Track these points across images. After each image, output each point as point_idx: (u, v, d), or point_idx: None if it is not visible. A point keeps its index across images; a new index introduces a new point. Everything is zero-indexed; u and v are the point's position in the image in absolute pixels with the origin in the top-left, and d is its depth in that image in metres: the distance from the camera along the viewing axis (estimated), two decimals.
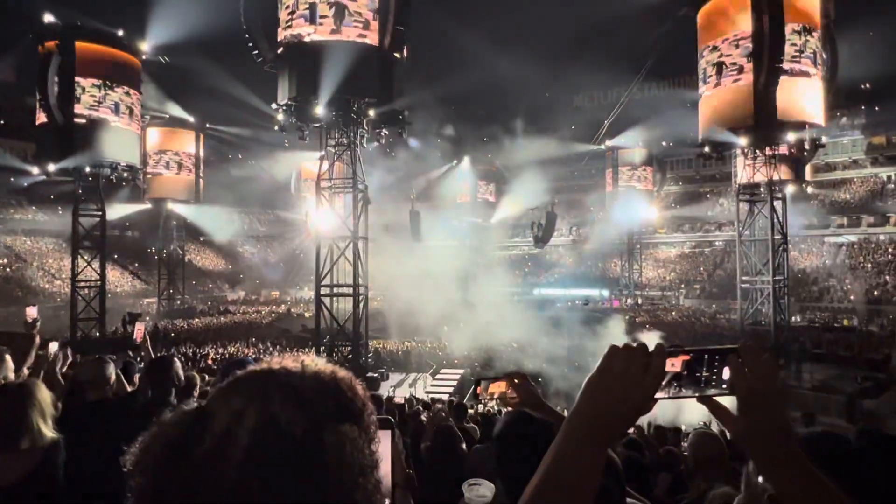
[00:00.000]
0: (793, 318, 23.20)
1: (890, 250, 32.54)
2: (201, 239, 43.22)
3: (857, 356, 19.49)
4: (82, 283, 21.44)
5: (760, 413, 0.79)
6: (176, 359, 2.84)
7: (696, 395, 0.81)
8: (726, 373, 0.81)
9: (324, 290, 16.70)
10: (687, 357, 0.82)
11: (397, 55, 15.88)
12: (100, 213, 21.47)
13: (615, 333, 18.27)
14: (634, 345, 0.79)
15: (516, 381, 1.71)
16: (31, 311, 3.57)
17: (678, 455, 4.69)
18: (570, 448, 0.77)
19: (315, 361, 0.72)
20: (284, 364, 0.71)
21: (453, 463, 4.14)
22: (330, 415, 0.66)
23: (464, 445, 4.90)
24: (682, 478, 3.76)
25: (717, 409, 0.83)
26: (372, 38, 15.40)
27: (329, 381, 0.70)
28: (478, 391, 1.77)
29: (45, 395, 1.90)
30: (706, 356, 0.82)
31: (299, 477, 0.62)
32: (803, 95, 18.46)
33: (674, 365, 0.80)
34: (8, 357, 2.04)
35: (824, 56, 19.10)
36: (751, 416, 0.80)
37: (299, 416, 0.64)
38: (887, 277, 30.44)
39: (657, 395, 0.78)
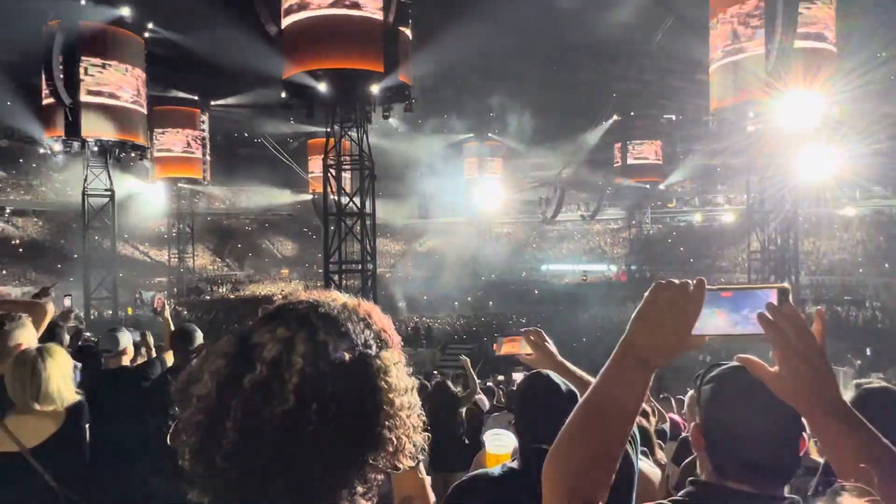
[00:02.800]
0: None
1: None
2: (209, 218, 43.42)
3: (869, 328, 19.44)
4: (94, 264, 21.68)
5: (799, 366, 0.78)
6: (196, 328, 2.89)
7: (737, 332, 0.82)
8: (761, 315, 0.80)
9: (332, 268, 16.80)
10: (730, 294, 0.83)
11: (402, 29, 15.66)
12: (109, 192, 21.59)
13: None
14: (677, 281, 0.83)
15: (532, 337, 1.75)
16: (67, 302, 3.69)
17: (681, 424, 4.74)
18: (618, 369, 0.83)
19: (342, 294, 0.76)
20: (318, 297, 0.73)
21: (451, 421, 4.22)
22: (370, 342, 0.70)
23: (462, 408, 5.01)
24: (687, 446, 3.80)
25: (753, 365, 0.83)
26: (376, 13, 15.19)
27: (361, 312, 0.73)
28: (494, 348, 1.82)
29: (65, 358, 1.94)
30: (749, 294, 0.82)
31: (354, 397, 0.65)
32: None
33: (717, 300, 0.81)
34: (29, 322, 2.09)
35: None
36: (789, 368, 0.79)
37: (345, 344, 0.67)
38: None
39: (701, 332, 0.81)
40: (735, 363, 1.01)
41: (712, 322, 0.81)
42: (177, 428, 0.66)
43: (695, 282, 0.82)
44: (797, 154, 19.46)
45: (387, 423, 0.67)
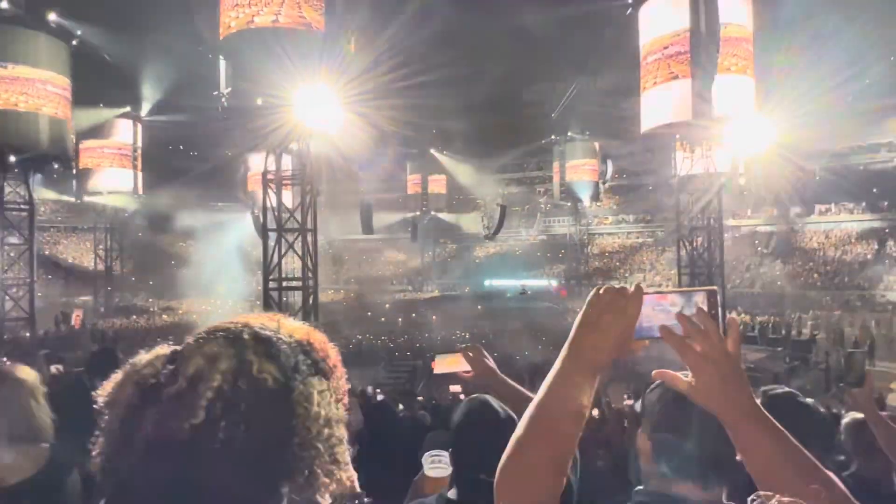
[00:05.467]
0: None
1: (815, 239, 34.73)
2: (140, 235, 41.36)
3: (785, 339, 20.76)
4: (10, 282, 20.17)
5: (711, 369, 0.82)
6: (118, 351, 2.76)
7: (680, 336, 0.84)
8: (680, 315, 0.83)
9: (272, 285, 16.32)
10: (665, 298, 0.86)
11: (345, 43, 15.62)
12: (27, 206, 20.22)
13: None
14: (616, 286, 0.87)
15: (470, 354, 1.69)
16: None
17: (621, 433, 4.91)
18: (564, 373, 0.85)
19: (291, 321, 0.75)
20: (261, 319, 0.72)
21: (391, 442, 4.19)
22: (301, 367, 0.69)
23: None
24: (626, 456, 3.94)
25: (667, 377, 0.88)
26: (318, 25, 15.11)
27: (303, 338, 0.73)
28: (433, 366, 1.76)
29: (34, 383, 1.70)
30: (683, 296, 0.86)
31: (267, 420, 0.63)
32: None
33: (656, 305, 0.85)
34: None
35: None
36: (701, 372, 0.82)
37: (271, 367, 0.66)
38: (811, 264, 32.49)
39: (640, 336, 0.84)
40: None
41: (650, 326, 0.84)
42: (97, 438, 0.64)
43: (632, 287, 0.86)
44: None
45: (301, 452, 0.65)
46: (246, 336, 0.67)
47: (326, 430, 0.67)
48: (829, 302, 27.98)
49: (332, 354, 0.75)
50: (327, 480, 0.67)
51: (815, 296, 28.79)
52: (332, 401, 0.70)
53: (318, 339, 0.75)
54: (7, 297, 19.80)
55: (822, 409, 2.13)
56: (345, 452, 0.70)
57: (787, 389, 2.02)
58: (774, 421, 0.83)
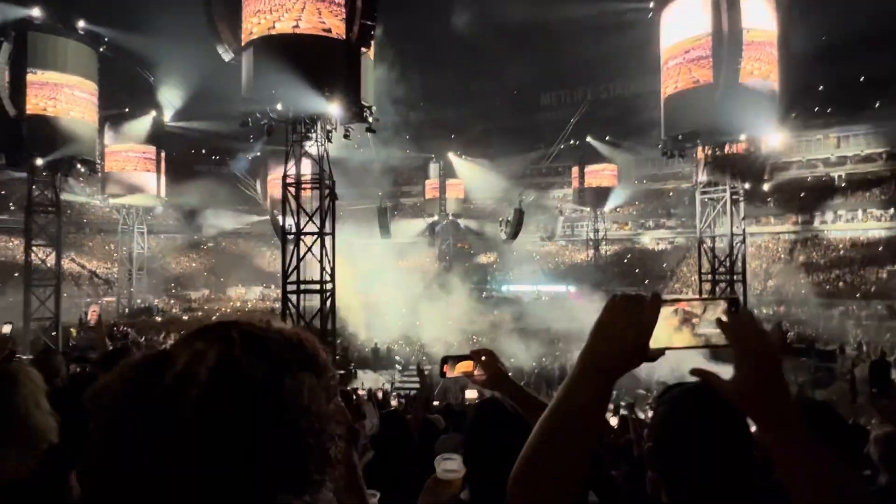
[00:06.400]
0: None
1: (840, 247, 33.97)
2: (162, 236, 42.12)
3: (810, 348, 20.30)
4: (37, 282, 20.63)
5: (757, 369, 0.81)
6: (133, 348, 2.79)
7: (698, 345, 0.83)
8: (720, 320, 0.82)
9: (290, 287, 16.45)
10: (684, 306, 0.85)
11: (364, 49, 15.74)
12: (54, 208, 20.71)
13: None
14: (633, 293, 0.86)
15: (483, 358, 1.68)
16: (6, 329, 3.40)
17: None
18: (581, 380, 0.84)
19: (280, 322, 0.74)
20: (250, 319, 0.73)
21: (403, 446, 4.17)
22: (290, 363, 0.68)
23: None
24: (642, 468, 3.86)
25: (706, 375, 0.85)
26: (339, 33, 15.24)
27: (292, 336, 0.72)
28: (444, 370, 1.75)
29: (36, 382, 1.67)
30: (703, 305, 0.84)
31: (255, 416, 0.62)
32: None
33: (674, 313, 0.84)
34: None
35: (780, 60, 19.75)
36: (747, 372, 0.81)
37: (259, 362, 0.65)
38: (837, 272, 31.76)
39: (658, 344, 0.83)
40: (687, 385, 1.05)
41: (669, 335, 0.83)
42: (83, 442, 0.63)
43: (650, 295, 0.85)
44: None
45: (291, 447, 0.64)
46: (234, 333, 0.67)
47: (317, 426, 0.67)
48: (854, 311, 27.32)
49: (322, 353, 0.74)
50: (319, 477, 0.66)
51: (839, 304, 28.14)
52: (322, 397, 0.69)
53: (308, 337, 0.74)
54: (33, 297, 20.25)
55: (849, 422, 2.07)
56: (336, 449, 0.70)
57: (817, 399, 1.97)
58: (814, 434, 0.80)
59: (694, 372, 0.87)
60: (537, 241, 43.30)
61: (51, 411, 1.65)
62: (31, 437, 1.58)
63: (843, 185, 36.67)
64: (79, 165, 21.10)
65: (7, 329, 4.61)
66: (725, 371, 0.85)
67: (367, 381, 17.12)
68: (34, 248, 20.63)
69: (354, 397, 5.98)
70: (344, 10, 15.18)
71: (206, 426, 0.60)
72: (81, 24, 20.93)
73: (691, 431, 1.02)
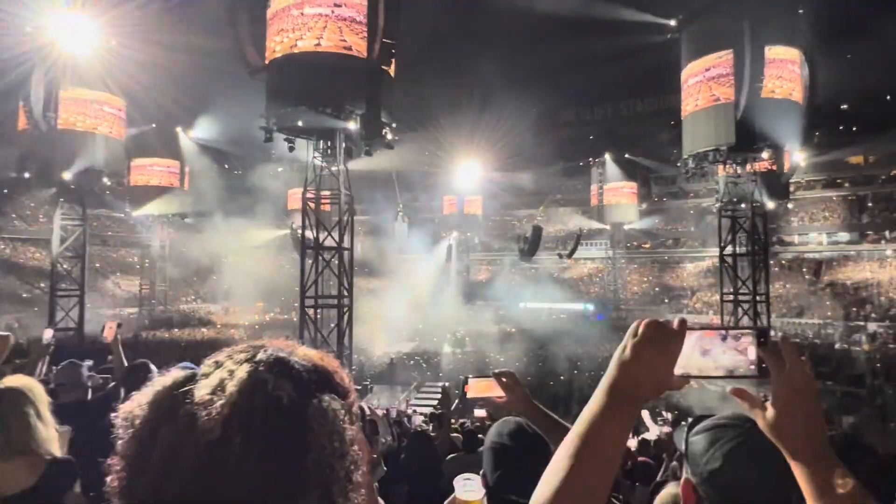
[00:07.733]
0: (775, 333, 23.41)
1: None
2: (183, 249, 42.72)
3: (837, 373, 19.77)
4: (62, 292, 21.07)
5: (797, 405, 0.79)
6: (152, 365, 2.80)
7: (723, 375, 0.81)
8: (751, 353, 0.80)
9: (308, 302, 16.55)
10: (712, 334, 0.82)
11: (385, 68, 15.94)
12: (81, 221, 21.20)
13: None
14: (660, 320, 0.84)
15: (504, 379, 1.67)
16: (48, 334, 3.45)
17: (654, 467, 4.72)
18: (603, 406, 0.82)
19: (305, 348, 0.76)
20: (276, 343, 0.74)
21: (429, 467, 4.12)
22: (315, 386, 0.70)
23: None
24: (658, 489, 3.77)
25: (746, 397, 0.84)
26: (358, 49, 15.48)
27: (317, 361, 0.74)
28: (465, 390, 1.74)
29: (40, 396, 1.72)
30: (731, 336, 0.82)
31: (282, 437, 0.64)
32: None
33: (699, 341, 0.81)
34: None
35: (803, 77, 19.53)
36: (787, 406, 0.80)
37: (286, 385, 0.67)
38: (864, 293, 30.98)
39: (683, 372, 0.81)
40: (725, 419, 1.04)
41: (694, 363, 0.81)
42: (112, 459, 0.64)
43: (676, 321, 0.83)
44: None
45: (316, 469, 0.65)
46: (261, 356, 0.69)
47: (342, 449, 0.67)
48: (882, 334, 26.57)
49: (346, 378, 0.76)
50: (342, 501, 0.66)
51: (867, 327, 27.40)
52: (346, 420, 0.70)
53: (332, 362, 0.76)
54: (58, 307, 20.67)
55: (879, 451, 1.99)
56: (361, 474, 0.70)
57: (845, 431, 1.90)
58: (842, 465, 0.79)
59: (734, 392, 0.85)
60: (555, 259, 43.04)
61: (52, 423, 1.67)
62: (34, 450, 1.61)
63: (870, 204, 35.90)
64: (105, 179, 21.62)
65: (49, 335, 4.53)
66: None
67: (382, 397, 17.07)
68: (59, 260, 21.10)
69: (368, 412, 5.97)
70: (365, 28, 15.42)
71: (234, 446, 0.61)
72: (113, 42, 21.54)
73: (735, 468, 1.01)
